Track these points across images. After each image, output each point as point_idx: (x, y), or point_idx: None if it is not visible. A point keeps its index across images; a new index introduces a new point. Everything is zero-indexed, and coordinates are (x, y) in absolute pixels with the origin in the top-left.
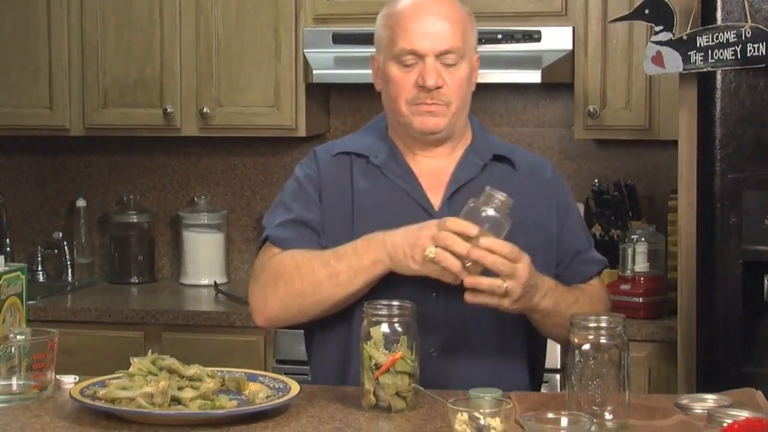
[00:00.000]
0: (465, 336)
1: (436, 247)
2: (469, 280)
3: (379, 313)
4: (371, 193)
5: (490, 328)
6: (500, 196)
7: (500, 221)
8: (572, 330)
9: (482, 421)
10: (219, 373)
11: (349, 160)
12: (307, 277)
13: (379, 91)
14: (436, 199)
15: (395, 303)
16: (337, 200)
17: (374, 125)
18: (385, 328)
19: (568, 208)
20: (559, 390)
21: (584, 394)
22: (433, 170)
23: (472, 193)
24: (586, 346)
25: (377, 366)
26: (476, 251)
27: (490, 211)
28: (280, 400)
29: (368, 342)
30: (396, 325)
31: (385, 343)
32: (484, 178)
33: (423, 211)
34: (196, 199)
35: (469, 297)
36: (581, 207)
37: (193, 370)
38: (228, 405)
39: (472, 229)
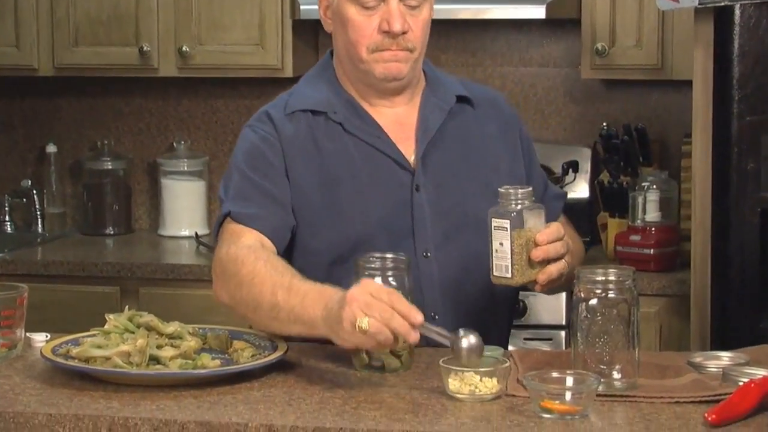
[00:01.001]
0: (456, 297)
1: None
2: (543, 277)
3: (372, 266)
4: (340, 155)
5: (482, 289)
6: (515, 190)
7: (534, 208)
8: (578, 284)
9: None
10: (201, 331)
11: (306, 118)
12: (254, 292)
13: (329, 32)
14: (408, 154)
15: (389, 256)
16: (302, 166)
17: (321, 73)
18: (378, 281)
19: (529, 141)
20: (564, 348)
21: (591, 352)
22: (397, 120)
23: (445, 149)
24: (593, 301)
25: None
26: (538, 251)
27: (520, 205)
28: (267, 359)
29: None
30: (390, 278)
31: None
32: (451, 123)
33: (400, 168)
34: (175, 144)
35: (544, 285)
36: (588, 152)
37: (172, 327)
38: (210, 364)
39: (417, 316)
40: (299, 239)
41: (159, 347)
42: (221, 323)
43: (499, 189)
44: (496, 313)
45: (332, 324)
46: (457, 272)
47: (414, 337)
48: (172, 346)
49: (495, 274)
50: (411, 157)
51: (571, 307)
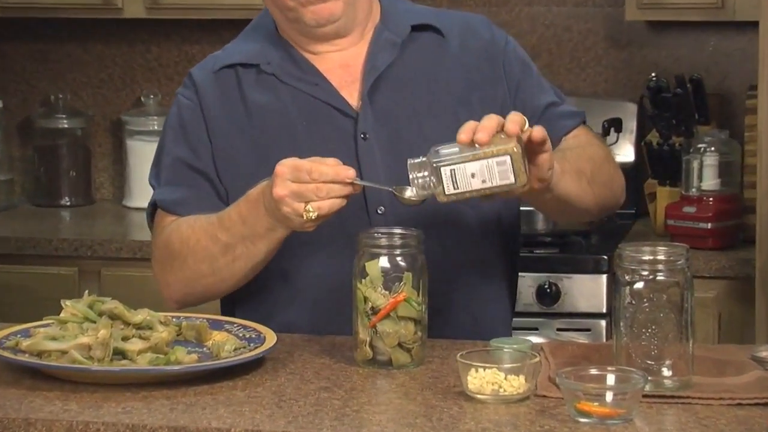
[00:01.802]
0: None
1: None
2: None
3: (377, 243)
4: (272, 109)
5: (454, 248)
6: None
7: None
8: (620, 263)
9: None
10: (174, 320)
11: (235, 74)
12: (199, 254)
13: None
14: (352, 98)
15: (397, 231)
16: (229, 129)
17: (259, 24)
18: (384, 262)
19: (520, 66)
20: (604, 340)
21: (636, 345)
22: (343, 63)
23: (397, 84)
24: (639, 285)
25: (374, 311)
26: (480, 135)
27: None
28: (252, 353)
29: (363, 280)
30: (398, 258)
31: (384, 282)
32: (408, 58)
33: (341, 115)
34: (143, 99)
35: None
36: (633, 107)
37: (141, 315)
38: (186, 359)
39: (346, 173)
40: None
41: (125, 339)
42: (199, 311)
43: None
44: (486, 277)
45: (285, 223)
46: (428, 231)
47: (356, 189)
48: (140, 337)
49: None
50: (355, 102)
51: (612, 291)
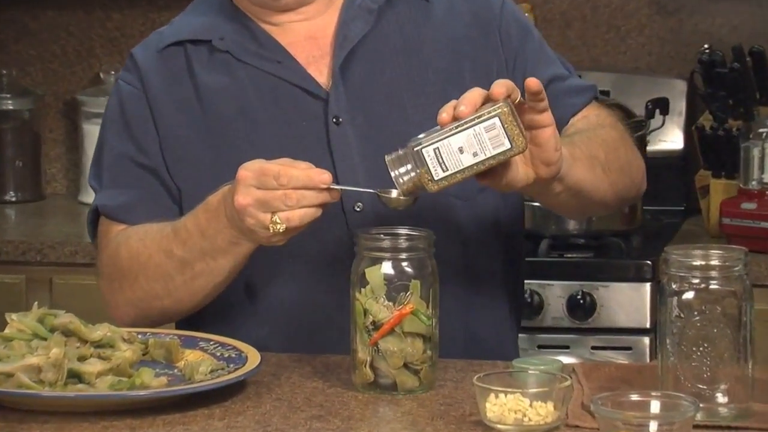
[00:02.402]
0: None
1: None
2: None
3: (378, 245)
4: (227, 92)
5: (448, 249)
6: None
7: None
8: (666, 269)
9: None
10: (140, 336)
11: (184, 52)
12: (151, 272)
13: None
14: (322, 76)
15: (402, 231)
16: (178, 118)
17: None
18: (387, 268)
19: (519, 32)
20: (647, 360)
21: (685, 366)
22: (309, 35)
23: (374, 58)
24: (689, 294)
25: (376, 325)
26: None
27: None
28: (232, 375)
29: (362, 290)
30: (404, 263)
31: (387, 291)
32: (387, 26)
33: (309, 96)
34: (102, 75)
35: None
36: (683, 85)
37: (100, 331)
38: (154, 383)
39: (321, 177)
40: (186, 208)
41: (81, 359)
42: (168, 326)
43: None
44: (480, 284)
45: (250, 236)
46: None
47: (334, 196)
48: (99, 357)
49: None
50: (325, 80)
51: (657, 302)
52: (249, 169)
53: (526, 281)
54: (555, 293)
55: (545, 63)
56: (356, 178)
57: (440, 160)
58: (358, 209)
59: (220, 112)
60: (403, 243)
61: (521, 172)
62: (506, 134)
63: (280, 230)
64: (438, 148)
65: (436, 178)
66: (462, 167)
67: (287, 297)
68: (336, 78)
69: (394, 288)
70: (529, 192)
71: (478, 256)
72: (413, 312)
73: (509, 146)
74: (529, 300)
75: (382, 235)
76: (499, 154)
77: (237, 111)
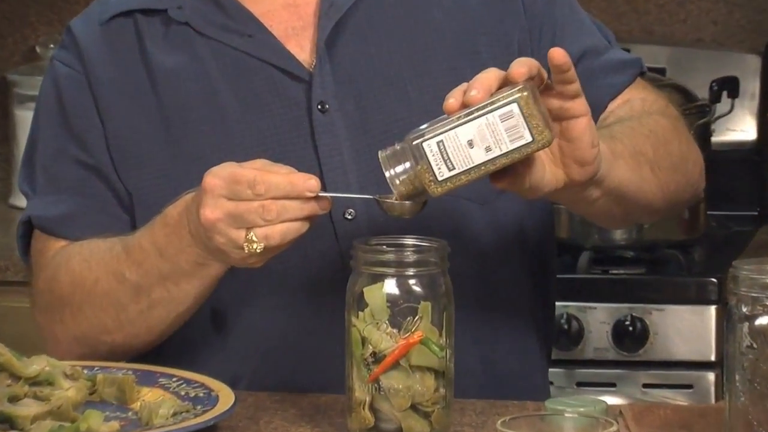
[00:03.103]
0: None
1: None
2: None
3: (380, 259)
4: (187, 73)
5: (461, 266)
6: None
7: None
8: (735, 289)
9: None
10: (86, 371)
11: (133, 25)
12: (99, 301)
13: None
14: (303, 53)
15: (409, 241)
16: (127, 105)
17: None
18: (391, 286)
19: None
20: (712, 400)
21: (759, 408)
22: (288, 2)
23: (367, 30)
24: (763, 320)
25: (377, 358)
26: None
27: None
28: (200, 419)
29: (359, 314)
30: (412, 281)
31: (391, 316)
32: None
33: (288, 78)
34: (39, 49)
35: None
36: (756, 62)
37: (37, 365)
38: (103, 429)
39: (308, 184)
40: (140, 218)
41: (13, 399)
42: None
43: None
44: (500, 307)
45: (219, 257)
46: None
47: (323, 206)
48: (35, 397)
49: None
50: (308, 57)
51: (724, 329)
52: (218, 176)
53: (561, 303)
54: (597, 318)
55: (578, 31)
56: (347, 179)
57: (445, 156)
58: (349, 217)
59: (179, 98)
60: (410, 256)
61: (548, 173)
62: (526, 124)
63: (257, 250)
64: (442, 141)
65: (439, 179)
66: (471, 165)
67: (265, 324)
68: (321, 55)
69: (400, 311)
70: (559, 198)
71: (500, 273)
72: (422, 341)
73: (530, 139)
74: (565, 327)
75: (384, 246)
76: (517, 149)
77: (199, 97)
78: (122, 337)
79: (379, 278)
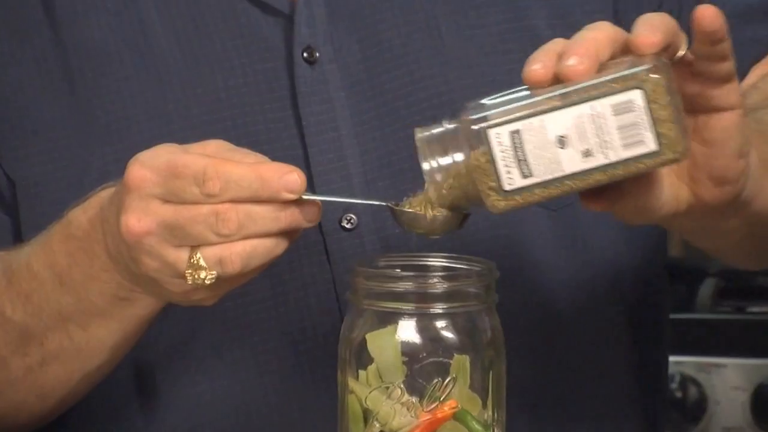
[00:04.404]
0: None
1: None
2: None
3: (393, 288)
4: (107, 11)
5: (528, 320)
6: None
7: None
8: None
9: None
10: None
11: None
12: None
13: None
14: None
15: (436, 260)
16: (21, 59)
17: None
18: (408, 332)
19: None
20: None
21: None
22: None
23: None
24: None
25: None
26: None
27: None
28: None
29: (360, 372)
30: (440, 323)
31: (409, 377)
32: None
33: (258, 11)
34: None
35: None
36: None
37: None
38: None
39: (292, 179)
40: (27, 223)
41: None
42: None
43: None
44: (589, 360)
45: (150, 288)
46: None
47: (309, 215)
48: None
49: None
50: None
51: None
52: (148, 165)
53: (674, 359)
54: (728, 381)
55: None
56: (346, 170)
57: (521, 154)
58: (348, 226)
59: (90, 39)
60: (438, 285)
61: (667, 190)
62: (652, 124)
63: (207, 281)
64: (519, 132)
65: (506, 188)
66: (559, 174)
67: (217, 392)
68: None
69: (422, 370)
70: (678, 226)
71: (576, 315)
72: (457, 416)
73: (654, 148)
74: (678, 395)
75: (398, 269)
76: (632, 159)
77: (121, 39)
78: (7, 407)
79: (391, 319)
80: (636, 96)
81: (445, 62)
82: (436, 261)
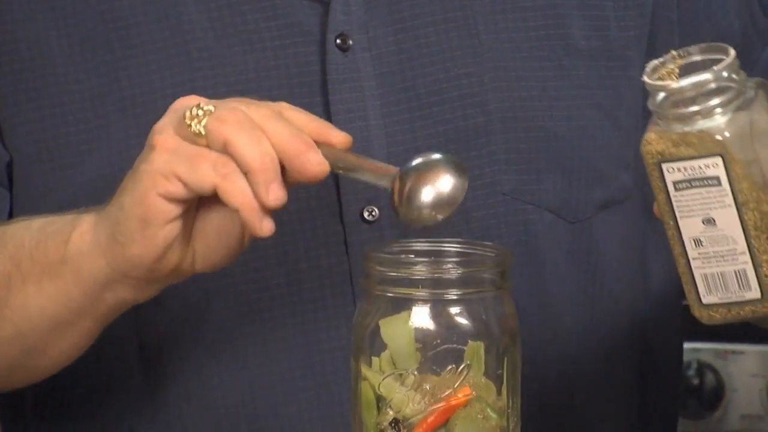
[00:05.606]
0: None
1: None
2: None
3: (407, 274)
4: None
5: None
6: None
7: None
8: None
9: None
10: None
11: None
12: None
13: None
14: None
15: (452, 246)
16: (28, 8)
17: None
18: (422, 318)
19: None
20: None
21: None
22: None
23: None
24: None
25: (401, 428)
26: None
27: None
28: None
29: (372, 358)
30: (455, 309)
31: (422, 363)
32: None
33: (296, 6)
34: None
35: None
36: None
37: None
38: None
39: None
40: (20, 202)
41: None
42: None
43: (644, 78)
44: (603, 348)
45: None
46: None
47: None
48: None
49: (706, 299)
50: None
51: None
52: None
53: (689, 346)
54: (746, 368)
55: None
56: (369, 148)
57: None
58: (370, 218)
59: (124, 14)
60: (452, 270)
61: None
62: None
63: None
64: None
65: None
66: None
67: (224, 375)
68: None
69: (436, 356)
70: None
71: (592, 329)
72: (473, 400)
73: None
74: (695, 382)
75: (412, 255)
76: None
77: (151, 8)
78: None
79: (404, 305)
80: None
81: (480, 62)
82: (451, 246)
